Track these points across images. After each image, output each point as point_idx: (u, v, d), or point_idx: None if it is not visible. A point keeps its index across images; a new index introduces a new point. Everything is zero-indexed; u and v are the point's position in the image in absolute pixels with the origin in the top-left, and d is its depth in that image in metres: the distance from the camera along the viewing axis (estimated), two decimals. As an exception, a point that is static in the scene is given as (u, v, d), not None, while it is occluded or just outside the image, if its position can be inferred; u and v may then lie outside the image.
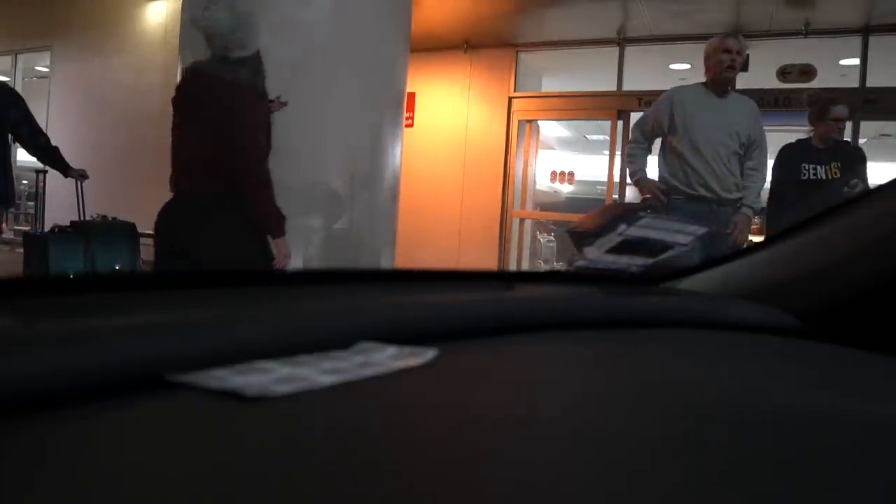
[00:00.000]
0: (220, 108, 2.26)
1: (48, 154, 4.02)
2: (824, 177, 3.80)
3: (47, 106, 7.79)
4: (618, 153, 6.89)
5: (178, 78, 2.83)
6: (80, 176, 4.17)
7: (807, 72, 6.34)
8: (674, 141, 3.26)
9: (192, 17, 2.48)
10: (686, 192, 3.23)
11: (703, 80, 3.33)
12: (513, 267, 7.24)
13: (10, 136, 3.88)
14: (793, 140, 4.07)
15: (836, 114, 3.86)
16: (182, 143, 2.35)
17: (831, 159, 3.83)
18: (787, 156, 3.95)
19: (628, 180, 4.24)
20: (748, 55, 6.48)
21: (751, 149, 3.31)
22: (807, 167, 3.83)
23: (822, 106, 3.90)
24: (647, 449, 0.30)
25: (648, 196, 3.31)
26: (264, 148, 2.33)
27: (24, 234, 4.80)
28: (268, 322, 0.39)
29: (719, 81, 3.26)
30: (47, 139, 4.01)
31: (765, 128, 3.37)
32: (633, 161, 3.42)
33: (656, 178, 3.37)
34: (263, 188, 2.30)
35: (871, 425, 0.36)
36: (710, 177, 3.21)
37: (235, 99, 2.30)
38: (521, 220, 7.50)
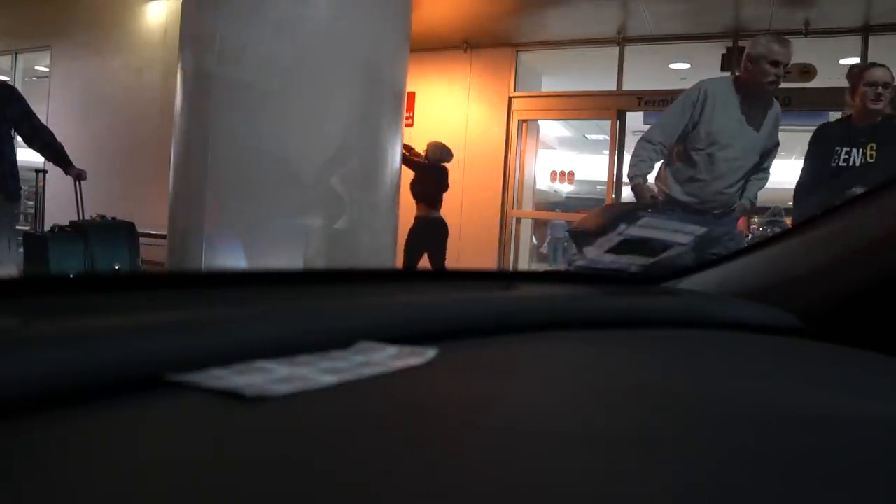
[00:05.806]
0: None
1: (52, 149, 4.01)
2: (858, 161, 2.97)
3: (47, 106, 7.78)
4: (618, 152, 6.90)
5: (179, 79, 2.83)
6: (78, 175, 4.18)
7: (807, 72, 6.34)
8: (693, 149, 2.97)
9: None
10: (692, 205, 2.98)
11: (730, 76, 3.09)
12: (513, 267, 7.24)
13: (13, 133, 3.88)
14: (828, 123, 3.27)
15: (869, 77, 2.98)
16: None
17: (869, 139, 2.97)
18: (819, 136, 3.16)
19: (626, 180, 4.11)
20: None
21: (766, 153, 3.09)
22: (839, 150, 3.01)
23: (856, 73, 3.09)
24: (646, 448, 0.30)
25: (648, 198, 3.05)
26: None
27: (24, 233, 4.78)
28: (268, 322, 0.39)
29: (759, 90, 2.96)
30: (51, 135, 4.00)
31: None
32: (640, 166, 3.03)
33: (656, 181, 3.15)
34: None
35: (871, 425, 0.36)
36: (724, 195, 3.00)
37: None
38: (519, 220, 7.50)
